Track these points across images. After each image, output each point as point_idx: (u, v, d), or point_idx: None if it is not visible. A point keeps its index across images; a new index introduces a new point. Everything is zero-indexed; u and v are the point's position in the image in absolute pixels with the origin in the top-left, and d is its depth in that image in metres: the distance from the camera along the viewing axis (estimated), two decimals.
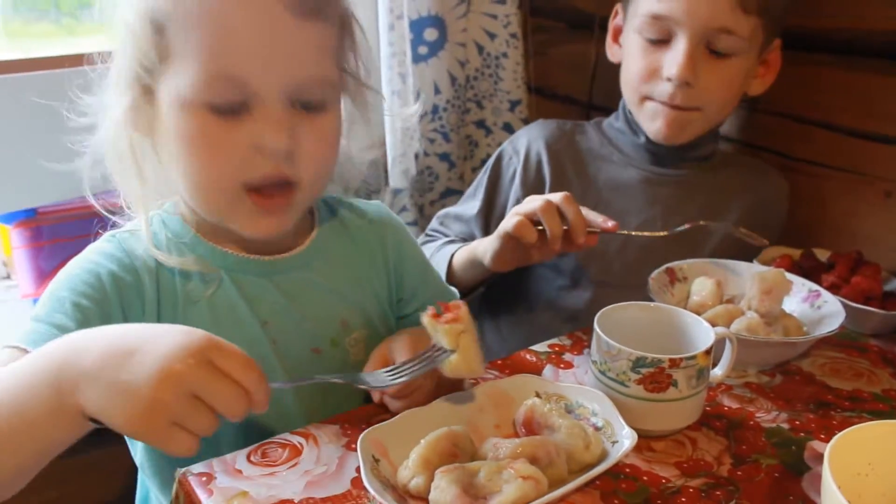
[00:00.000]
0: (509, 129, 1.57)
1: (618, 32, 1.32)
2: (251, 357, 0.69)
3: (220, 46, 0.77)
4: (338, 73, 0.87)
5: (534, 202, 1.04)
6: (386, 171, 1.53)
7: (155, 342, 0.65)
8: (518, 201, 1.28)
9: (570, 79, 1.69)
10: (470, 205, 1.37)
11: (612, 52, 1.34)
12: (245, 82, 0.78)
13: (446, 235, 1.37)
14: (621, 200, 1.29)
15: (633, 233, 1.15)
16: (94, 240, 0.90)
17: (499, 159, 1.37)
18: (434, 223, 1.41)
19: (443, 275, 1.20)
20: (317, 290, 0.95)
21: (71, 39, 1.85)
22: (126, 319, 0.84)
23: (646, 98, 1.24)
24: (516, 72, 1.55)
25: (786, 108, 1.38)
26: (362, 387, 0.81)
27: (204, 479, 0.78)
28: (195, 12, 0.77)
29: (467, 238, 1.35)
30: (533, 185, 1.32)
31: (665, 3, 1.16)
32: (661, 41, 1.19)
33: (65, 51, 1.76)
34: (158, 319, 0.87)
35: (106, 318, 0.81)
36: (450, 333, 0.79)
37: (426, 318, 0.80)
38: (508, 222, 1.06)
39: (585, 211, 1.06)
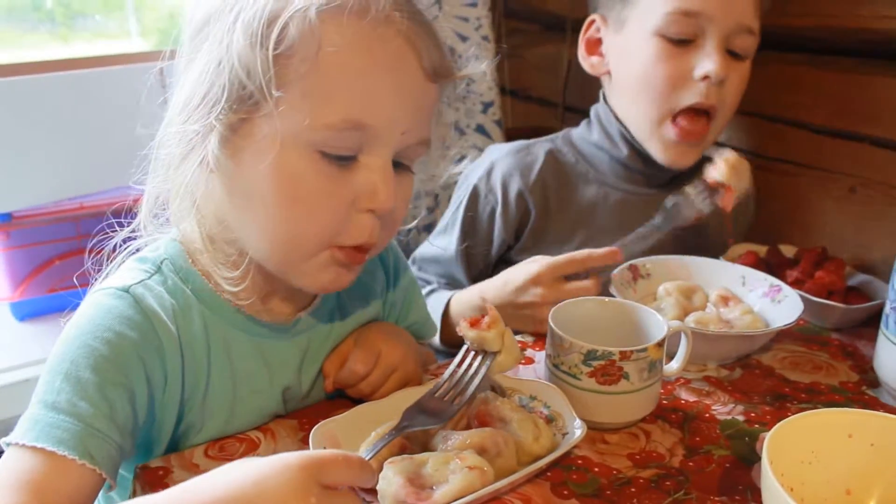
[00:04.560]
0: (482, 131, 1.59)
1: (594, 44, 1.28)
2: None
3: (355, 94, 0.74)
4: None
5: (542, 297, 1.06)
6: None
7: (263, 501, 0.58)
8: (504, 241, 1.28)
9: (543, 80, 1.71)
10: (445, 245, 1.30)
11: (590, 65, 1.30)
12: (370, 133, 0.75)
13: (427, 282, 1.31)
14: (599, 221, 1.27)
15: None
16: (80, 243, 0.82)
17: (474, 198, 1.29)
18: (412, 270, 1.29)
19: (437, 324, 1.15)
20: (334, 340, 0.94)
21: (65, 47, 1.87)
22: (150, 392, 0.78)
23: (668, 116, 1.19)
24: (488, 74, 1.56)
25: (756, 108, 1.40)
26: (429, 426, 0.78)
27: (160, 472, 0.79)
28: (333, 55, 0.72)
29: (448, 279, 1.31)
30: (516, 221, 1.27)
31: (693, 1, 1.13)
32: (686, 42, 1.15)
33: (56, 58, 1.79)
34: (183, 385, 0.81)
35: (131, 399, 0.75)
36: (496, 336, 0.81)
37: (470, 332, 0.81)
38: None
39: (583, 253, 1.07)
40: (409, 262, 1.34)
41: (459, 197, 1.32)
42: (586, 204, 1.27)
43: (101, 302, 0.78)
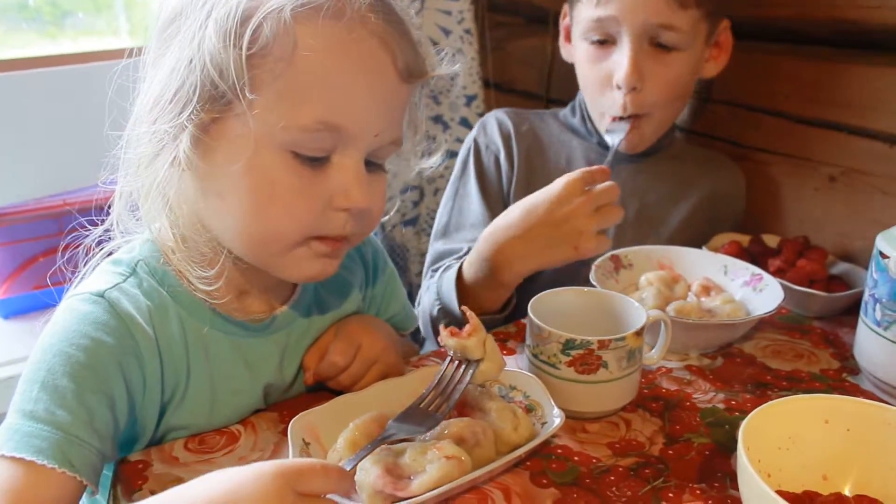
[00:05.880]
0: (466, 124, 1.59)
1: (569, 32, 1.32)
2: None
3: (330, 96, 0.74)
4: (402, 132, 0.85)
5: (579, 214, 1.02)
6: None
7: None
8: (519, 184, 1.30)
9: (527, 73, 1.71)
10: (469, 210, 1.31)
11: (565, 52, 1.35)
12: (343, 135, 0.75)
13: (457, 251, 1.27)
14: None
15: None
16: (65, 239, 0.82)
17: (477, 154, 1.35)
18: (438, 246, 1.31)
19: (454, 301, 1.10)
20: (313, 336, 0.93)
21: (53, 46, 1.87)
22: (130, 396, 0.77)
23: (603, 116, 1.24)
24: (471, 67, 1.57)
25: (734, 97, 1.40)
26: (415, 435, 0.77)
27: (140, 466, 0.79)
28: (307, 57, 0.72)
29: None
30: (514, 165, 1.32)
31: (602, 7, 1.17)
32: (607, 43, 1.20)
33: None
34: (162, 387, 0.81)
35: (110, 405, 0.74)
36: (478, 344, 0.80)
37: (450, 341, 0.80)
38: (587, 245, 1.03)
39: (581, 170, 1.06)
40: (431, 238, 1.34)
41: (463, 157, 1.36)
42: (568, 168, 1.30)
43: (75, 308, 0.77)
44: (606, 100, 1.22)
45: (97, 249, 0.83)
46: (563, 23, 1.33)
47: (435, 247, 1.31)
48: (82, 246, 0.82)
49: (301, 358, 0.91)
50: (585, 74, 1.25)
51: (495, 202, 1.31)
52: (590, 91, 1.26)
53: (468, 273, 1.12)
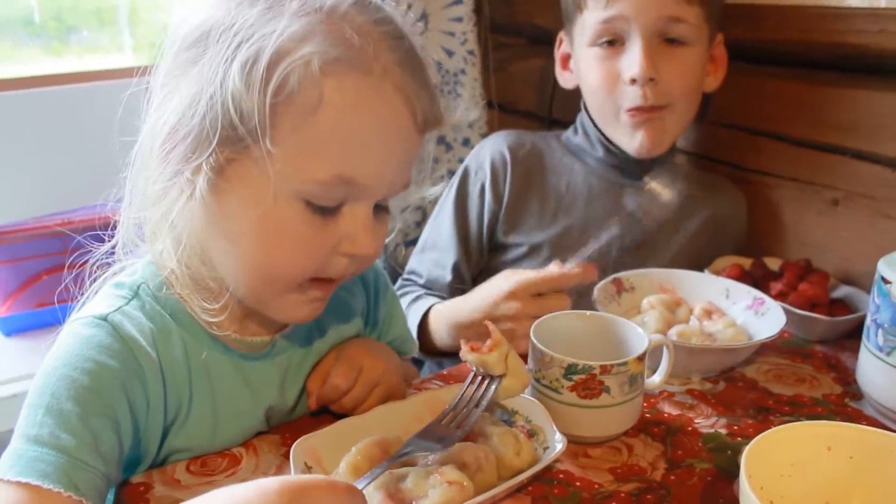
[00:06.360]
0: (469, 145, 1.60)
1: (566, 60, 1.34)
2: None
3: (349, 153, 0.74)
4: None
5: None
6: None
7: None
8: (494, 213, 1.31)
9: (530, 94, 1.71)
10: (441, 233, 1.35)
11: (564, 79, 1.37)
12: (358, 188, 0.76)
13: (420, 275, 1.35)
14: (584, 209, 1.31)
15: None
16: (68, 258, 0.82)
17: (464, 178, 1.35)
18: (412, 261, 1.38)
19: (414, 332, 1.16)
20: (314, 358, 0.93)
21: (58, 62, 1.87)
22: (134, 419, 0.77)
23: (619, 111, 1.24)
24: (474, 88, 1.57)
25: (736, 120, 1.40)
26: (431, 452, 0.76)
27: (142, 489, 0.79)
28: (331, 111, 0.72)
29: (441, 267, 1.33)
30: (501, 193, 1.32)
31: (612, 7, 1.18)
32: (616, 44, 1.21)
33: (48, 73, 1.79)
34: (165, 409, 0.81)
35: (115, 428, 0.74)
36: (499, 359, 0.80)
37: (470, 356, 0.80)
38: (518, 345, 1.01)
39: (555, 272, 1.05)
40: (413, 256, 1.38)
41: (453, 178, 1.37)
42: (567, 194, 1.32)
43: (79, 332, 0.77)
44: (621, 95, 1.22)
45: (100, 271, 0.83)
46: (559, 52, 1.35)
47: (411, 260, 1.38)
48: (88, 264, 0.82)
49: (302, 381, 0.91)
50: (593, 79, 1.25)
51: (467, 230, 1.33)
52: (600, 93, 1.25)
53: (433, 325, 1.19)
